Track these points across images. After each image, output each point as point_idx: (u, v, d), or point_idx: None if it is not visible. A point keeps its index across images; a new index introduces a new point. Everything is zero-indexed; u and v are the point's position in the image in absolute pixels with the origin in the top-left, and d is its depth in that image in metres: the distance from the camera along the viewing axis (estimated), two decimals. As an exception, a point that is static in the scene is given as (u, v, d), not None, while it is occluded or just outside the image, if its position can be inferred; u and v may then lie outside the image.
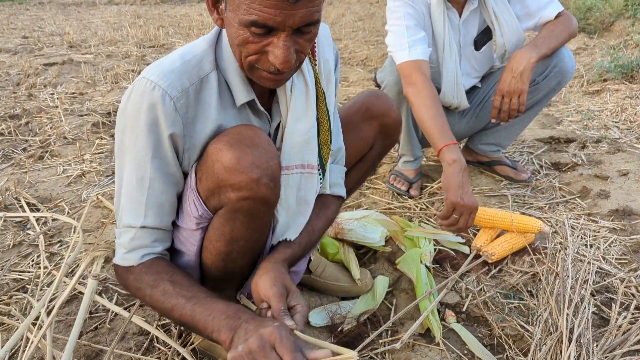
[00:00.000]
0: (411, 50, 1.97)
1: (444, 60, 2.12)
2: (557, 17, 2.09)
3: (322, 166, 1.30)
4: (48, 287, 1.64)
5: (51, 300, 1.57)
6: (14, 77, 4.57)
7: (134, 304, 1.61)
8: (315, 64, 1.27)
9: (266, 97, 1.21)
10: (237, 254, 1.18)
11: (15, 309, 1.53)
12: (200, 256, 1.22)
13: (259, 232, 1.18)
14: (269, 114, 1.22)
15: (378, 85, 2.24)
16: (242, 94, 1.14)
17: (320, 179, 1.31)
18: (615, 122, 3.06)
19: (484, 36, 2.20)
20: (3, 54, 5.76)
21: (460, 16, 2.13)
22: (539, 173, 2.48)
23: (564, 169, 2.51)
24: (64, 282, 1.62)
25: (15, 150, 2.86)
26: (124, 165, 1.11)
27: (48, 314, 1.54)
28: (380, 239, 1.81)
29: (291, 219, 1.26)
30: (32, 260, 1.84)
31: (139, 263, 1.12)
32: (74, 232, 2.03)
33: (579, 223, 1.99)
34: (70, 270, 1.61)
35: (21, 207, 2.20)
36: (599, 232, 1.94)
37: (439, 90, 2.15)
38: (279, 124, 1.24)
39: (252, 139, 1.06)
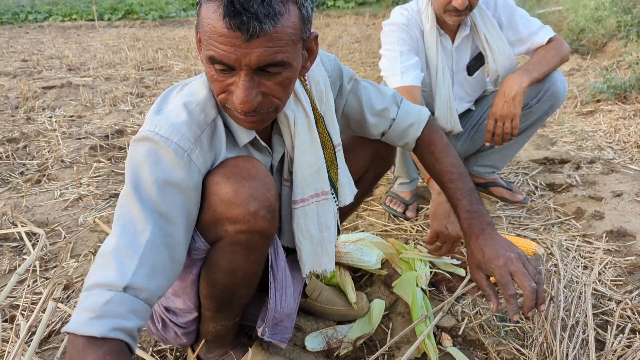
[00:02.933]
0: (404, 76, 2.00)
1: (437, 85, 2.15)
2: (548, 42, 2.13)
3: (333, 186, 1.32)
4: (43, 312, 1.64)
5: (47, 326, 1.57)
6: (13, 100, 4.60)
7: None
8: (308, 87, 1.25)
9: (267, 130, 1.21)
10: (234, 285, 1.18)
11: (13, 334, 1.53)
12: (198, 287, 1.21)
13: (256, 263, 1.18)
14: (270, 146, 1.22)
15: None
16: (244, 134, 1.12)
17: (335, 199, 1.33)
18: (609, 143, 3.09)
19: (477, 62, 2.23)
20: (2, 77, 5.80)
21: (452, 42, 2.17)
22: (534, 194, 2.50)
23: (558, 190, 2.52)
24: (59, 309, 1.62)
25: (13, 174, 2.87)
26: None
27: (41, 342, 1.54)
28: (376, 262, 1.82)
29: (317, 247, 1.29)
30: (28, 286, 1.84)
31: (98, 341, 0.85)
32: (69, 256, 2.03)
33: (573, 244, 2.00)
34: (66, 297, 1.61)
35: (18, 232, 2.21)
36: (593, 253, 1.95)
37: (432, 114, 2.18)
38: (283, 155, 1.24)
39: (249, 170, 1.06)
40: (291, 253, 1.38)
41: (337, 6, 13.95)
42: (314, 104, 1.25)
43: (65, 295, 1.75)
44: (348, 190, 1.39)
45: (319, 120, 1.25)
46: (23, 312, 1.65)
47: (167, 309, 1.28)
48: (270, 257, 1.24)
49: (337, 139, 1.32)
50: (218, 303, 1.22)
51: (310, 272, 1.32)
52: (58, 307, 1.50)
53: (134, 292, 0.90)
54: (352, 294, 1.66)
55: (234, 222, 1.04)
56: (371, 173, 1.58)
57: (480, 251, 1.26)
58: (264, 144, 1.18)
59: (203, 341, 1.33)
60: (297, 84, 1.20)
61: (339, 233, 1.42)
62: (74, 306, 1.59)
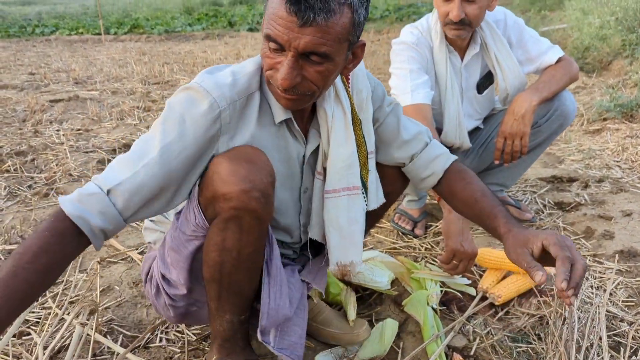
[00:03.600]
0: (414, 94, 2.01)
1: (446, 101, 2.16)
2: (558, 61, 2.14)
3: (363, 186, 1.38)
4: (51, 327, 1.63)
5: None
6: (20, 113, 4.62)
7: (139, 346, 1.60)
8: (350, 92, 1.36)
9: (304, 121, 1.31)
10: (230, 265, 1.21)
11: (23, 350, 1.52)
12: (191, 264, 1.27)
13: (251, 246, 1.20)
14: (305, 137, 1.32)
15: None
16: (281, 112, 1.23)
17: (364, 197, 1.39)
18: (617, 162, 3.09)
19: (486, 80, 2.25)
20: (10, 90, 5.83)
21: (462, 60, 2.18)
22: (543, 212, 2.49)
23: (567, 209, 2.52)
24: (71, 325, 1.61)
25: (21, 187, 2.87)
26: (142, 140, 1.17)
27: (51, 358, 1.53)
28: (387, 283, 1.81)
29: (346, 240, 1.35)
30: (37, 301, 1.83)
31: (65, 217, 1.06)
32: (77, 271, 2.03)
33: (584, 264, 1.99)
34: (76, 314, 1.61)
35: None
36: (604, 273, 1.94)
37: (440, 131, 2.19)
38: (316, 149, 1.33)
39: (251, 156, 1.14)
40: (304, 255, 1.50)
41: (341, 22, 14.03)
42: (354, 107, 1.35)
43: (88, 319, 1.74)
44: (375, 197, 1.44)
45: (357, 123, 1.35)
46: (34, 328, 1.65)
47: (163, 277, 1.35)
48: (265, 252, 1.26)
49: (371, 146, 1.40)
50: (218, 286, 1.25)
51: (336, 263, 1.38)
52: (88, 335, 1.49)
53: (113, 199, 1.09)
54: (352, 312, 1.65)
55: (227, 200, 1.10)
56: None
57: (524, 232, 1.25)
58: (298, 128, 1.28)
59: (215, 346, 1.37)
60: (340, 86, 1.31)
61: (367, 233, 1.47)
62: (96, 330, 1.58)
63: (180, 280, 1.29)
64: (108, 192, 1.09)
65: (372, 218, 1.57)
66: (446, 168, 1.47)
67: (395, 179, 1.53)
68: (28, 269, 1.00)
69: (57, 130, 4.06)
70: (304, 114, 1.30)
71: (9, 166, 3.16)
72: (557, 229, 2.31)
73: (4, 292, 0.98)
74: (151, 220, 1.53)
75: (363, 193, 1.38)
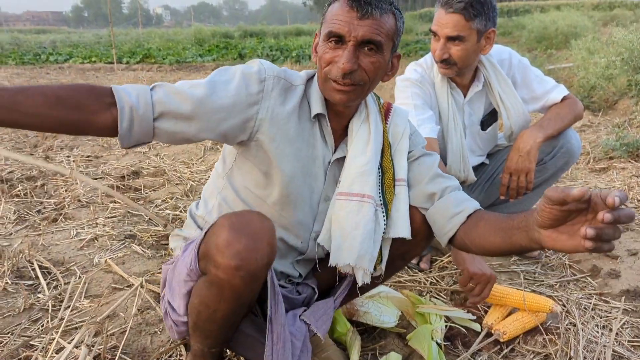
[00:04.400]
0: (420, 129, 2.03)
1: (449, 134, 2.19)
2: (563, 100, 2.17)
3: (385, 205, 1.43)
4: (57, 353, 1.63)
5: (59, 368, 1.56)
6: (32, 139, 4.70)
7: (142, 374, 1.60)
8: (387, 123, 1.50)
9: (338, 133, 1.44)
10: (205, 316, 1.27)
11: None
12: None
13: (228, 310, 1.24)
14: (335, 147, 1.44)
15: (389, 160, 2.29)
16: (318, 106, 1.37)
17: (384, 217, 1.42)
18: (623, 200, 3.09)
19: (491, 117, 2.28)
20: (22, 115, 5.93)
21: (465, 96, 2.22)
22: (549, 250, 2.49)
23: (573, 247, 2.51)
24: (73, 352, 1.62)
25: (30, 212, 2.90)
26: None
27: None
28: (394, 322, 1.81)
29: (345, 242, 1.39)
30: (42, 325, 1.84)
31: (108, 89, 1.19)
32: (84, 297, 2.04)
33: (590, 303, 1.98)
34: (80, 341, 1.61)
35: (33, 269, 2.22)
36: (610, 312, 1.93)
37: (445, 164, 2.21)
38: (343, 160, 1.44)
39: (256, 231, 1.13)
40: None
41: (350, 56, 14.21)
42: (386, 132, 1.48)
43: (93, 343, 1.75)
44: (404, 225, 1.44)
45: (386, 146, 1.47)
46: (41, 354, 1.65)
47: (170, 303, 1.42)
48: (270, 310, 1.27)
49: (402, 174, 1.46)
50: (193, 323, 1.33)
51: (341, 265, 1.41)
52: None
53: (153, 91, 1.24)
54: (355, 356, 1.64)
55: (216, 267, 1.13)
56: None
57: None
58: (330, 129, 1.41)
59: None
60: (373, 110, 1.45)
61: (380, 261, 1.46)
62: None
63: (180, 310, 1.36)
64: (152, 87, 1.25)
65: (390, 269, 1.56)
66: (476, 208, 1.39)
67: (419, 227, 1.47)
68: (49, 94, 1.10)
69: (68, 157, 4.12)
70: (339, 126, 1.43)
71: (19, 191, 3.19)
72: (563, 267, 2.30)
73: (13, 91, 1.08)
74: (180, 230, 1.61)
75: (383, 212, 1.42)
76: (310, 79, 1.42)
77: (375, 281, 1.55)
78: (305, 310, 1.50)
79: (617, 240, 0.90)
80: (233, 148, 1.45)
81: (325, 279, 1.61)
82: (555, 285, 2.15)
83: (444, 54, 2.02)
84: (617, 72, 5.95)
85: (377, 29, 1.25)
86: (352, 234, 1.38)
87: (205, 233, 1.21)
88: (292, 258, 1.52)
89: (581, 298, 2.02)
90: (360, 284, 1.43)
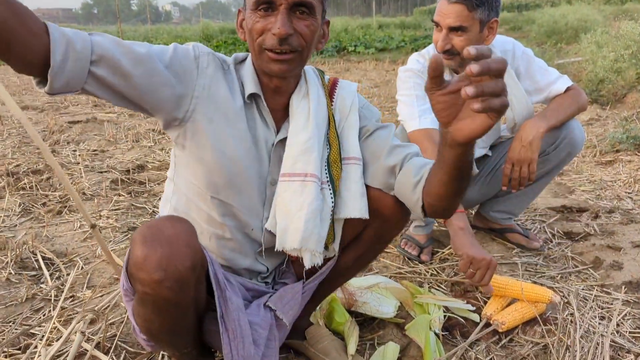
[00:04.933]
0: (421, 119, 2.03)
1: None
2: (566, 90, 2.15)
3: (332, 182, 1.37)
4: (56, 342, 1.65)
5: (58, 356, 1.58)
6: (40, 133, 4.73)
7: (141, 363, 1.61)
8: (333, 99, 1.44)
9: (280, 114, 1.38)
10: (156, 331, 1.24)
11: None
12: None
13: (172, 319, 1.19)
14: (278, 128, 1.37)
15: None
16: (252, 85, 1.31)
17: (331, 194, 1.37)
18: (628, 193, 3.07)
19: (494, 108, 2.26)
20: (30, 111, 5.98)
21: (467, 87, 2.20)
22: (551, 242, 2.47)
23: (576, 239, 2.50)
24: (71, 340, 1.63)
25: (35, 205, 2.93)
26: None
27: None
28: (393, 312, 1.81)
29: (290, 224, 1.32)
30: (43, 315, 1.86)
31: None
32: (85, 287, 2.05)
33: (591, 294, 1.97)
34: (77, 329, 1.62)
35: (36, 260, 2.24)
36: (611, 304, 1.91)
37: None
38: (285, 139, 1.37)
39: (171, 237, 1.07)
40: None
41: (357, 52, 14.20)
42: (330, 107, 1.42)
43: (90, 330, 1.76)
44: (355, 205, 1.38)
45: (331, 121, 1.41)
46: (40, 341, 1.66)
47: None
48: (219, 309, 1.23)
49: (353, 152, 1.40)
50: (149, 336, 1.29)
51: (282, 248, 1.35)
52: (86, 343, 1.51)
53: (92, 34, 1.11)
54: (352, 346, 1.63)
55: (141, 284, 1.07)
56: (371, 230, 1.48)
57: None
58: (267, 109, 1.34)
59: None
60: (313, 83, 1.39)
61: (333, 240, 1.42)
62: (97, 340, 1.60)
63: (137, 329, 1.32)
64: (90, 33, 1.11)
65: (369, 254, 1.57)
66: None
67: (391, 210, 1.42)
68: None
69: (74, 151, 4.15)
70: (279, 105, 1.36)
71: (24, 184, 3.22)
72: (565, 259, 2.29)
73: None
74: None
75: (330, 189, 1.36)
76: (239, 63, 1.37)
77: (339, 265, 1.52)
78: (271, 296, 1.46)
79: (504, 94, 0.85)
80: (175, 148, 1.38)
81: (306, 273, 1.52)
82: (557, 277, 2.13)
83: (447, 45, 2.00)
84: (626, 65, 5.89)
85: None
86: (296, 215, 1.32)
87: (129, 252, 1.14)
88: (253, 251, 1.44)
89: (582, 289, 2.01)
90: (308, 266, 1.36)
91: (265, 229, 1.39)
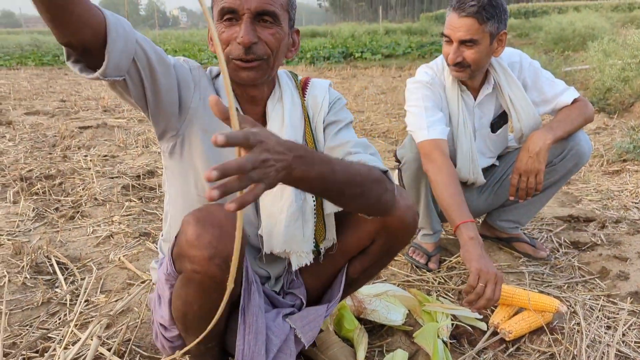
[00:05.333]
0: (430, 130, 2.07)
1: (459, 137, 2.21)
2: (573, 102, 2.19)
3: None
4: (73, 345, 1.69)
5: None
6: (51, 138, 4.80)
7: (155, 367, 1.65)
8: (305, 97, 1.47)
9: (259, 122, 1.36)
10: (192, 316, 1.29)
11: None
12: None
13: (212, 302, 1.21)
14: None
15: (398, 161, 2.33)
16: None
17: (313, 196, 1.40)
18: (635, 203, 3.09)
19: (501, 120, 2.30)
20: (41, 116, 6.05)
21: (475, 99, 2.24)
22: (558, 251, 2.50)
23: (583, 249, 2.52)
24: (87, 344, 1.67)
25: (48, 210, 2.98)
26: None
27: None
28: (401, 320, 1.84)
29: (275, 227, 1.38)
30: (59, 319, 1.90)
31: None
32: (99, 292, 2.09)
33: (597, 304, 1.99)
34: (94, 333, 1.66)
35: (51, 265, 2.29)
36: (617, 314, 1.93)
37: (454, 166, 2.24)
38: None
39: (220, 220, 1.14)
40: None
41: (364, 58, 14.27)
42: (304, 106, 1.45)
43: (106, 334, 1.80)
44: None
45: (307, 121, 1.44)
46: (59, 345, 1.70)
47: (160, 324, 1.43)
48: (242, 301, 1.29)
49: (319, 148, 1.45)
50: (182, 325, 1.34)
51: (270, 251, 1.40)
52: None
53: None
54: (362, 353, 1.66)
55: (191, 262, 1.15)
56: (379, 244, 1.51)
57: None
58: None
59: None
60: (287, 87, 1.42)
61: (324, 237, 1.46)
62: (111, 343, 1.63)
63: (165, 317, 1.37)
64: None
65: (375, 266, 1.60)
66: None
67: (399, 224, 1.43)
68: None
69: (85, 156, 4.20)
70: (256, 113, 1.39)
71: (38, 189, 3.28)
72: (572, 268, 2.31)
73: None
74: (155, 261, 1.62)
75: None
76: (215, 77, 1.41)
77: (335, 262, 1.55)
78: (293, 313, 1.48)
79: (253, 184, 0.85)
80: (166, 160, 1.41)
81: (314, 285, 1.59)
82: (564, 286, 2.16)
83: (458, 57, 2.04)
84: (633, 74, 5.90)
85: (269, 1, 1.22)
86: (278, 218, 1.37)
87: (176, 237, 1.22)
88: (252, 257, 1.46)
89: (588, 299, 2.03)
90: (295, 267, 1.42)
91: (259, 235, 1.43)
